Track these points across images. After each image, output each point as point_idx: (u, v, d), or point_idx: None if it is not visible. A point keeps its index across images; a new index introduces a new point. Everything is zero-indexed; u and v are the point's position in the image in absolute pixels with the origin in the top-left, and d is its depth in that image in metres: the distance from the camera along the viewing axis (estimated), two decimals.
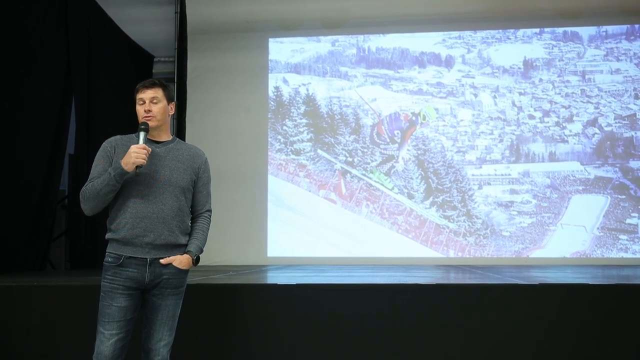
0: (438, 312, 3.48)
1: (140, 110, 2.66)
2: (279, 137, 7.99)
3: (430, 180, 7.71)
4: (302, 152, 7.93)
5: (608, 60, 7.73)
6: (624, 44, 7.74)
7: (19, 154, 5.52)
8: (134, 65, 7.80)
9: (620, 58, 7.72)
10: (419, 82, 7.92)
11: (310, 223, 7.77)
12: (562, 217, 7.48)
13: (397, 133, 7.84)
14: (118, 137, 2.72)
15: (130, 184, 2.58)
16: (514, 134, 7.71)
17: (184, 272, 2.67)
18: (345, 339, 3.45)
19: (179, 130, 7.82)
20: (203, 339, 3.49)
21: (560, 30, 7.85)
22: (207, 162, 2.81)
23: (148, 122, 2.63)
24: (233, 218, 7.49)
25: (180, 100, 7.94)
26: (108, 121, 6.60)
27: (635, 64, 7.68)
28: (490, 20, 7.86)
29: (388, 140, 7.84)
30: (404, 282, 4.05)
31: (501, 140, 7.72)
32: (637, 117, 7.59)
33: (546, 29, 7.87)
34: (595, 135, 7.61)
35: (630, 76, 7.66)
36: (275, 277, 5.21)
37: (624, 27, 7.77)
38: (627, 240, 7.36)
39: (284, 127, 8.00)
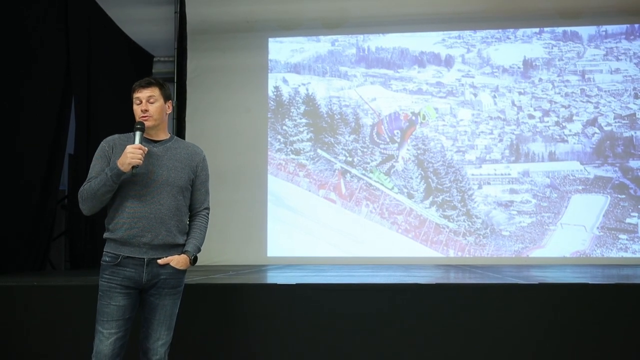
0: (438, 312, 3.47)
1: (137, 109, 2.65)
2: (279, 136, 7.99)
3: (430, 179, 7.71)
4: (301, 151, 7.93)
5: (608, 60, 7.73)
6: (624, 44, 7.74)
7: (19, 154, 5.52)
8: (134, 65, 7.79)
9: (620, 58, 7.72)
10: (418, 82, 7.92)
11: (310, 223, 7.77)
12: (562, 216, 7.49)
13: (397, 133, 7.84)
14: (116, 136, 2.71)
15: (127, 184, 2.57)
16: (513, 133, 7.71)
17: (181, 272, 2.67)
18: (345, 339, 3.45)
19: (179, 130, 7.84)
20: (203, 339, 3.49)
21: (560, 30, 7.85)
22: (205, 160, 2.80)
23: (145, 122, 2.62)
24: (233, 218, 7.50)
25: (180, 100, 7.94)
26: (108, 121, 6.59)
27: (635, 63, 7.68)
28: (490, 20, 7.86)
29: (388, 140, 7.84)
30: (404, 282, 4.04)
31: (501, 140, 7.72)
32: (637, 116, 7.59)
33: (546, 29, 7.87)
34: (595, 135, 7.61)
35: (630, 76, 7.66)
36: (275, 277, 5.20)
37: (623, 27, 7.77)
38: (626, 239, 7.36)
39: (284, 127, 8.00)
